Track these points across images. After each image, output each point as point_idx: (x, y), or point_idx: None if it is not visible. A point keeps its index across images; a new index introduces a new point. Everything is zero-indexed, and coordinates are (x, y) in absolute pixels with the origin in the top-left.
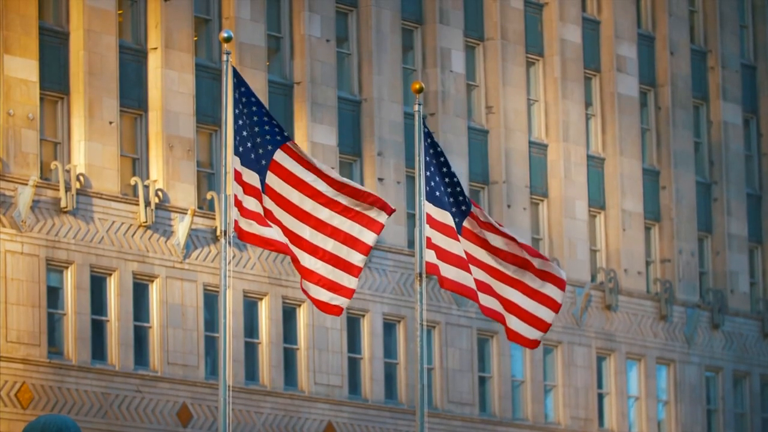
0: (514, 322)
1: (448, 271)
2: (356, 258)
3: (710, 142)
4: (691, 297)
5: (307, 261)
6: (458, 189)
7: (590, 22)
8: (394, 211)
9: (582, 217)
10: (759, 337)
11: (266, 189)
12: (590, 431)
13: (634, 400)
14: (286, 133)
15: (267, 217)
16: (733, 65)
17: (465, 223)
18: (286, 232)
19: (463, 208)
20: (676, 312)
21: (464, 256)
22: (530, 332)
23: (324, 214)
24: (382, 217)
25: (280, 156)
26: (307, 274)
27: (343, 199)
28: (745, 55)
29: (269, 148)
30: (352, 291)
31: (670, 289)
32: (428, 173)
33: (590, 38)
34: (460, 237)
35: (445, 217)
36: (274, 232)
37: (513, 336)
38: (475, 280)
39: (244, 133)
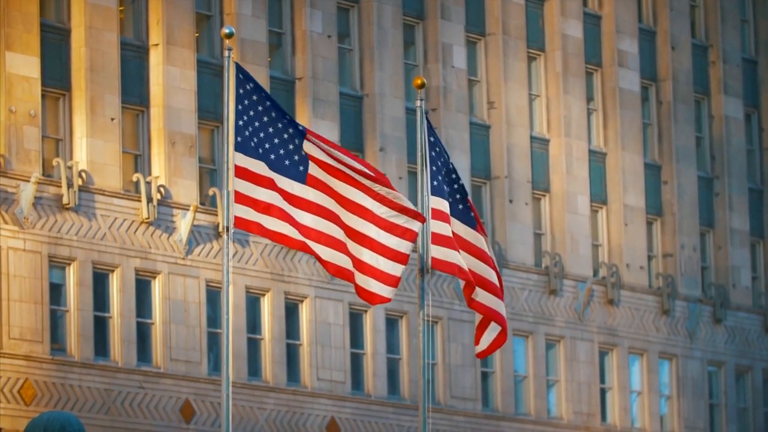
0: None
1: (446, 254)
2: (404, 246)
3: (712, 137)
4: (693, 292)
5: (351, 249)
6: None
7: (591, 17)
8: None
9: (584, 212)
10: (761, 332)
11: (308, 179)
12: (593, 426)
13: (636, 395)
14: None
15: (308, 209)
16: (735, 60)
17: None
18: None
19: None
20: (678, 307)
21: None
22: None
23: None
24: (414, 226)
25: (308, 146)
26: (352, 263)
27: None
28: (747, 50)
29: (303, 153)
30: (398, 279)
31: (672, 284)
32: (434, 168)
33: (591, 33)
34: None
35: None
36: (283, 224)
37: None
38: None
39: (256, 129)
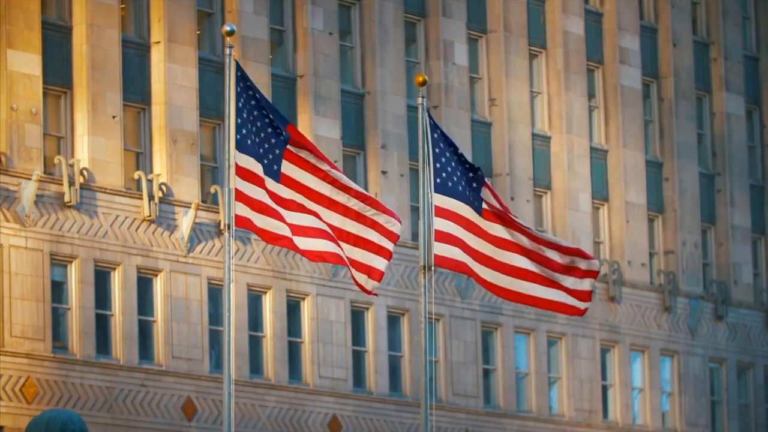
0: (549, 293)
1: (450, 252)
2: (387, 243)
3: (713, 134)
4: (695, 288)
5: (335, 246)
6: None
7: (593, 14)
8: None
9: (585, 209)
10: (762, 328)
11: (282, 178)
12: (594, 423)
13: (638, 391)
14: (282, 138)
15: (288, 207)
16: (736, 56)
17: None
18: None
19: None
20: (679, 303)
21: (468, 241)
22: (575, 302)
23: (342, 198)
24: (394, 227)
25: (288, 155)
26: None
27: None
28: (748, 47)
29: (277, 152)
30: (382, 273)
31: (674, 281)
32: (438, 165)
33: (593, 30)
34: (481, 219)
35: (461, 207)
36: (277, 224)
37: (556, 306)
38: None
39: (249, 126)
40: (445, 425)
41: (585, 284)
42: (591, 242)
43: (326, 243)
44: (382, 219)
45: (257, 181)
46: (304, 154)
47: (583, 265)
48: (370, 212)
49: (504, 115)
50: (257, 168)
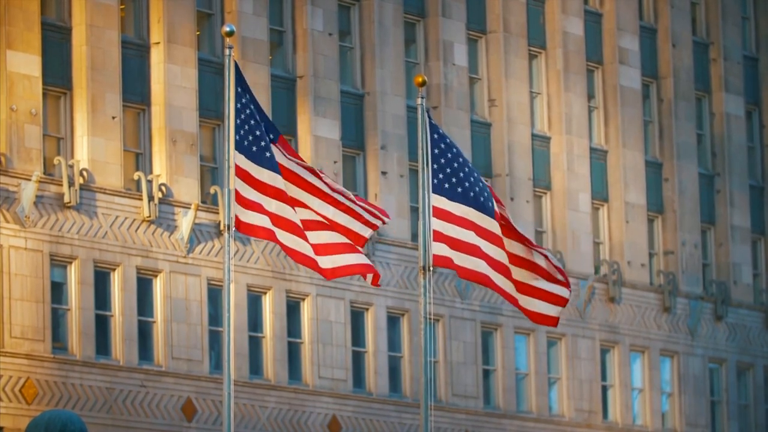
0: (528, 302)
1: (464, 261)
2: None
3: (713, 134)
4: (695, 289)
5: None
6: (472, 179)
7: (592, 14)
8: (385, 220)
9: (585, 209)
10: (762, 329)
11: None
12: (594, 423)
13: (638, 392)
14: (263, 142)
15: (287, 202)
16: (736, 57)
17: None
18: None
19: (481, 199)
20: (679, 304)
21: (478, 244)
22: (549, 309)
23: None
24: (366, 232)
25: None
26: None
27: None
28: (747, 47)
29: (267, 154)
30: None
31: (674, 281)
32: (436, 165)
33: (592, 30)
34: (493, 221)
35: (459, 209)
36: (271, 223)
37: (532, 316)
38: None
39: (246, 127)
40: (445, 426)
41: (564, 292)
42: (591, 242)
43: (347, 256)
44: (356, 226)
45: (256, 184)
46: (285, 162)
47: (560, 277)
48: (342, 218)
49: (503, 116)
50: (255, 169)
